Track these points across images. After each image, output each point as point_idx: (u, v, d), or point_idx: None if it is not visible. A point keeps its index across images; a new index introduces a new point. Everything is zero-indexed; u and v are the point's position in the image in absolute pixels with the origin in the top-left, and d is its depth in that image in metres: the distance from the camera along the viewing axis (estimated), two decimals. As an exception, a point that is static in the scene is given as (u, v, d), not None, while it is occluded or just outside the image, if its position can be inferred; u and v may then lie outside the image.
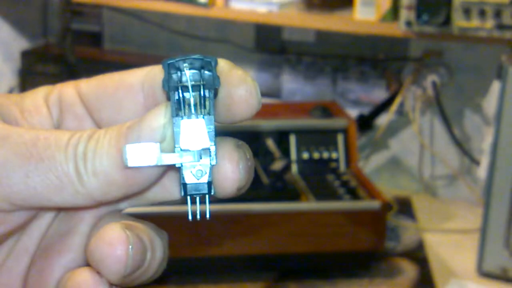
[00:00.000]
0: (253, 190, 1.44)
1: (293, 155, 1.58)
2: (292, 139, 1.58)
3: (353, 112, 1.84)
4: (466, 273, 1.48)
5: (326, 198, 1.46)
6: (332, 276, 1.46)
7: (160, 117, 0.34)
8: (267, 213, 1.41)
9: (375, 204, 1.43)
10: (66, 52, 1.93)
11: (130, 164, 0.34)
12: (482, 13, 1.47)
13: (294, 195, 1.47)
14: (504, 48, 1.54)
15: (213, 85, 0.35)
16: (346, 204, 1.45)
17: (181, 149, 0.35)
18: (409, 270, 1.50)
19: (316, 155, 1.58)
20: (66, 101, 0.39)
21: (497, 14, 1.46)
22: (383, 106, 1.85)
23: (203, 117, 0.35)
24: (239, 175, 0.35)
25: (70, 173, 0.34)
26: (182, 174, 0.35)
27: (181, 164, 0.35)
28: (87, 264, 0.36)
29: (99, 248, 0.34)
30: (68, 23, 1.91)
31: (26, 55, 2.12)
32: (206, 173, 0.35)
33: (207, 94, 0.35)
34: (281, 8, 1.74)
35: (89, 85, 0.39)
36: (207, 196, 0.36)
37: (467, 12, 1.48)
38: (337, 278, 1.45)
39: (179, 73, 0.35)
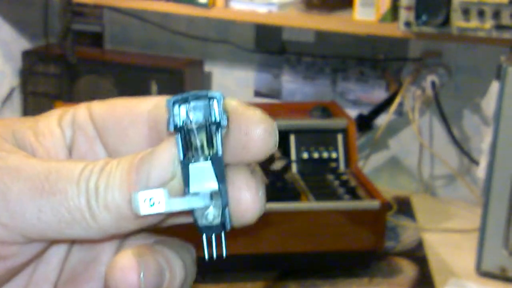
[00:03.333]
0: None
1: (293, 155, 1.58)
2: (292, 139, 1.59)
3: (352, 112, 1.84)
4: (465, 273, 1.49)
5: (325, 198, 1.47)
6: (332, 276, 1.46)
7: (170, 152, 0.34)
8: (267, 213, 1.41)
9: (374, 204, 1.43)
10: (67, 52, 1.94)
11: (141, 213, 0.33)
12: (481, 14, 1.47)
13: (294, 195, 1.47)
14: (503, 48, 1.54)
15: (220, 123, 0.34)
16: (346, 204, 1.45)
17: (190, 193, 0.34)
18: (409, 270, 1.51)
19: (315, 155, 1.59)
20: (79, 122, 0.39)
21: (496, 14, 1.47)
22: (383, 106, 1.86)
23: (211, 159, 0.34)
24: (259, 203, 0.35)
25: (82, 207, 0.34)
26: (195, 217, 0.34)
27: (192, 207, 0.34)
28: None
29: (112, 276, 0.34)
30: (69, 24, 1.91)
31: (27, 55, 2.13)
32: (218, 215, 0.34)
33: (214, 133, 0.34)
34: (281, 8, 1.74)
35: (100, 108, 0.38)
36: (222, 234, 0.35)
37: (466, 12, 1.48)
38: (337, 278, 1.46)
39: (184, 111, 0.34)
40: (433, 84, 1.77)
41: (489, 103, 1.51)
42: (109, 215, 0.34)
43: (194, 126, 0.34)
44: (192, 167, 0.34)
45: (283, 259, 1.47)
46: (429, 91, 1.78)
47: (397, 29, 1.58)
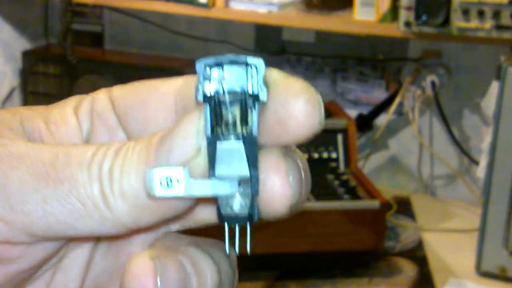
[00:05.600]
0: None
1: (293, 155, 1.58)
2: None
3: (352, 112, 1.85)
4: (465, 273, 1.49)
5: (325, 197, 1.47)
6: (332, 275, 1.46)
7: (195, 124, 0.29)
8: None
9: (374, 203, 1.44)
10: (67, 52, 1.94)
11: (156, 193, 0.28)
12: (481, 14, 1.47)
13: (294, 195, 1.47)
14: (503, 48, 1.54)
15: (258, 97, 0.28)
16: (346, 204, 1.46)
17: (215, 176, 0.29)
18: (408, 270, 1.51)
19: (315, 155, 1.59)
20: (99, 110, 0.34)
21: (496, 14, 1.47)
22: (383, 106, 1.86)
23: (243, 139, 0.28)
24: (290, 189, 0.29)
25: (94, 195, 0.29)
26: (218, 204, 0.29)
27: (216, 194, 0.29)
28: None
29: (126, 282, 0.30)
30: (69, 24, 1.91)
31: (27, 55, 2.13)
32: (246, 205, 0.29)
33: (250, 108, 0.28)
34: (281, 8, 1.74)
35: (122, 92, 0.34)
36: (248, 227, 0.30)
37: (466, 12, 1.48)
38: (336, 277, 1.46)
39: (217, 77, 0.29)
40: (433, 84, 1.78)
41: (489, 103, 1.51)
42: (125, 203, 0.29)
43: (227, 98, 0.28)
44: (220, 146, 0.28)
45: (283, 259, 1.47)
46: (429, 91, 1.78)
47: (397, 29, 1.58)
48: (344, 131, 1.60)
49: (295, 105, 0.29)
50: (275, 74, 0.30)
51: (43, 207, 0.30)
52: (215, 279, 0.31)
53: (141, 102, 0.33)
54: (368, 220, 1.44)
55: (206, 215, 0.32)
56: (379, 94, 1.90)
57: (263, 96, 0.28)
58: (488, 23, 1.48)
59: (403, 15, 1.54)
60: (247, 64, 0.29)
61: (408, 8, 1.53)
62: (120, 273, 0.31)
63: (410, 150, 1.91)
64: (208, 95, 0.28)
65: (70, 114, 0.34)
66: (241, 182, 0.29)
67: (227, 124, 0.28)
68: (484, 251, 1.46)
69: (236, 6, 1.77)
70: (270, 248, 1.45)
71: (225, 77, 0.28)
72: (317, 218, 1.44)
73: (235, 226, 0.30)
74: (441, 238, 1.65)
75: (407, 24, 1.54)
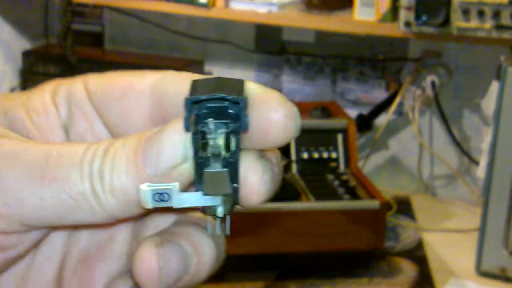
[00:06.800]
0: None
1: (293, 155, 1.59)
2: (292, 139, 1.59)
3: (352, 112, 1.85)
4: (465, 273, 1.49)
5: (325, 197, 1.47)
6: (332, 275, 1.46)
7: (181, 133, 0.32)
8: (267, 213, 1.42)
9: (374, 203, 1.44)
10: (67, 53, 1.94)
11: (149, 206, 0.32)
12: (481, 14, 1.47)
13: (294, 195, 1.47)
14: (503, 48, 1.54)
15: (239, 129, 0.32)
16: (346, 204, 1.46)
17: (203, 193, 0.32)
18: (408, 270, 1.51)
19: (315, 155, 1.59)
20: (75, 99, 0.36)
21: (496, 14, 1.47)
22: (383, 106, 1.86)
23: (227, 164, 0.32)
24: (264, 186, 0.33)
25: (86, 192, 0.32)
26: (203, 208, 0.34)
27: (204, 205, 0.33)
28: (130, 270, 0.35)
29: (134, 267, 0.33)
30: (69, 24, 1.91)
31: (27, 56, 2.13)
32: (228, 210, 0.33)
33: (233, 138, 0.32)
34: (281, 8, 1.74)
35: (98, 83, 0.36)
36: (227, 217, 0.34)
37: (466, 12, 1.49)
38: (336, 277, 1.46)
39: (202, 114, 0.32)
40: (433, 84, 1.78)
41: (489, 103, 1.51)
42: (115, 200, 0.32)
43: (212, 129, 0.32)
44: (207, 171, 0.32)
45: (283, 259, 1.47)
46: (429, 91, 1.78)
47: (397, 29, 1.58)
48: (344, 131, 1.60)
49: (274, 119, 0.32)
50: (253, 87, 0.33)
51: (39, 203, 0.32)
52: (213, 257, 0.35)
53: (118, 99, 0.36)
54: (368, 220, 1.44)
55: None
56: (379, 94, 1.90)
57: (244, 127, 0.32)
58: (488, 23, 1.48)
59: (403, 15, 1.54)
60: (232, 102, 0.32)
61: (408, 8, 1.53)
62: (109, 242, 0.36)
63: (410, 150, 1.91)
64: (194, 128, 0.32)
65: (48, 102, 0.36)
66: (224, 196, 0.33)
67: (212, 154, 0.32)
68: (484, 251, 1.46)
69: (236, 6, 1.77)
70: (270, 248, 1.45)
71: (210, 113, 0.32)
72: (317, 218, 1.44)
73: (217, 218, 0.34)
74: (441, 238, 1.65)
75: (407, 24, 1.54)
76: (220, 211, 0.33)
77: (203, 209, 0.33)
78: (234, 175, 0.32)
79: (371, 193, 1.47)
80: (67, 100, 0.37)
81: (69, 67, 2.01)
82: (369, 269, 1.49)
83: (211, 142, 0.32)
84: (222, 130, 0.32)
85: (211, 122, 0.31)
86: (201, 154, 0.32)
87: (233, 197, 0.33)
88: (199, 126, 0.32)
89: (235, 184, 0.33)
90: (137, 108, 0.35)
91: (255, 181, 0.33)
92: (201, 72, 2.06)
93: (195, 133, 0.32)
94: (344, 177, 1.53)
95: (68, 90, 0.37)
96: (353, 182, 1.51)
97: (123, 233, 0.37)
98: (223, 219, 0.34)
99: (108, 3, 1.95)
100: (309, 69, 1.98)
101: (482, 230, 1.45)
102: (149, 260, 0.33)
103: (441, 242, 1.63)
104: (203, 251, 0.34)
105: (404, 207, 1.78)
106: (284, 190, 1.48)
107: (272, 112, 0.32)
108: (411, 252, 1.58)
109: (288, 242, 1.44)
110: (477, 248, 1.47)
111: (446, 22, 1.50)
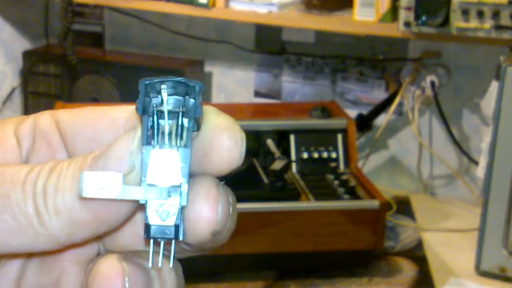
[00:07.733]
0: (253, 190, 1.45)
1: (293, 155, 1.59)
2: (292, 139, 1.59)
3: (352, 112, 1.85)
4: (464, 272, 1.49)
5: (325, 197, 1.47)
6: (332, 275, 1.46)
7: (129, 143, 0.30)
8: (267, 213, 1.42)
9: (374, 203, 1.44)
10: (67, 53, 1.94)
11: (86, 195, 0.30)
12: (480, 14, 1.48)
13: (293, 195, 1.47)
14: (502, 48, 1.54)
15: (194, 114, 0.31)
16: (345, 204, 1.46)
17: (147, 184, 0.30)
18: (408, 269, 1.51)
19: (315, 155, 1.59)
20: (42, 128, 0.35)
21: (495, 15, 1.47)
22: (382, 106, 1.86)
23: (178, 149, 0.30)
24: (216, 216, 0.30)
25: (28, 213, 0.30)
26: (146, 213, 0.30)
27: (146, 200, 0.30)
28: None
29: (96, 281, 0.31)
30: (69, 24, 1.91)
31: (28, 56, 2.13)
32: (174, 214, 0.30)
33: (185, 124, 0.31)
34: (281, 9, 1.75)
35: (68, 114, 0.35)
36: (172, 241, 0.31)
37: (465, 13, 1.49)
38: (336, 277, 1.46)
39: (158, 97, 0.31)
40: (432, 84, 1.78)
41: (488, 103, 1.52)
42: (59, 220, 0.30)
43: (165, 112, 0.30)
44: (155, 153, 0.30)
45: (283, 259, 1.47)
46: (429, 91, 1.78)
47: (396, 29, 1.58)
48: (344, 131, 1.61)
49: (219, 140, 0.31)
50: (209, 110, 0.32)
51: None
52: (174, 283, 0.32)
53: (91, 123, 0.34)
54: (368, 220, 1.44)
55: (131, 239, 0.33)
56: (378, 94, 1.91)
57: (198, 113, 0.30)
58: (488, 23, 1.48)
59: (403, 15, 1.54)
60: (186, 84, 0.30)
61: (408, 8, 1.53)
62: (55, 286, 0.33)
63: (409, 150, 1.91)
64: (148, 109, 0.30)
65: (8, 134, 0.34)
66: (171, 192, 0.30)
67: (163, 134, 0.30)
68: (484, 251, 1.46)
69: (236, 6, 1.77)
70: (270, 248, 1.45)
71: (165, 96, 0.30)
72: (317, 218, 1.44)
73: (160, 241, 0.31)
74: (441, 237, 1.65)
75: (407, 24, 1.54)
76: (164, 213, 0.30)
77: (146, 217, 0.30)
78: (184, 168, 0.30)
79: (371, 193, 1.47)
80: (31, 130, 0.35)
81: (70, 67, 2.01)
82: (369, 269, 1.49)
83: (162, 124, 0.30)
84: (175, 113, 0.30)
85: (164, 89, 0.30)
86: (152, 141, 0.30)
87: (180, 199, 0.30)
88: (152, 109, 0.30)
89: (184, 181, 0.30)
90: (109, 135, 0.33)
91: (207, 208, 0.30)
92: (201, 72, 2.06)
93: (147, 115, 0.30)
94: (344, 177, 1.53)
95: (35, 120, 0.35)
96: (352, 182, 1.51)
97: (70, 276, 0.34)
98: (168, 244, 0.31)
99: (108, 3, 1.96)
100: (309, 69, 1.98)
101: (482, 230, 1.46)
102: (114, 275, 0.31)
103: (440, 242, 1.63)
104: (165, 277, 0.32)
105: (403, 207, 1.79)
106: (284, 190, 1.48)
107: (218, 133, 0.31)
108: (410, 252, 1.58)
109: (288, 242, 1.44)
110: (476, 248, 1.47)
111: (446, 22, 1.50)
